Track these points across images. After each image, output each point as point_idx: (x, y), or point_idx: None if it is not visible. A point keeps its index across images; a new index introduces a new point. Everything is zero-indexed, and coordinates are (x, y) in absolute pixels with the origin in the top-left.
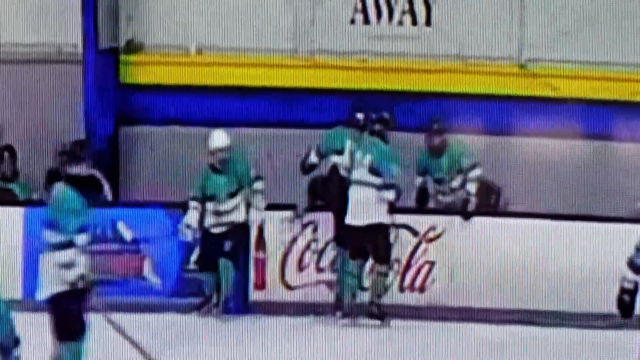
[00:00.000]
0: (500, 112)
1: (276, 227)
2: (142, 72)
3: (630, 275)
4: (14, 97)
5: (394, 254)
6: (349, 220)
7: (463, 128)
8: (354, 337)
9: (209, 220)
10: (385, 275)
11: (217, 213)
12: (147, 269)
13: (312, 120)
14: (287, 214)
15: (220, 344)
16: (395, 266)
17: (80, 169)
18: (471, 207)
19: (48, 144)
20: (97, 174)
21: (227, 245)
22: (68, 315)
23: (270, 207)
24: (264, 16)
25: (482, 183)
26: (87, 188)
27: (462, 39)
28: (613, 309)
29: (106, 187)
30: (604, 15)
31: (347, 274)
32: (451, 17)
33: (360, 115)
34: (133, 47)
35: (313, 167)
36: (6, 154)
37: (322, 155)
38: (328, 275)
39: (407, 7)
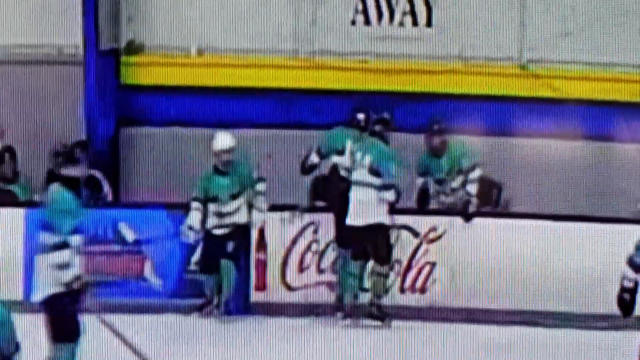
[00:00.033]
0: (501, 113)
1: (277, 228)
2: (143, 73)
3: (630, 273)
4: (15, 98)
5: (395, 255)
6: (350, 220)
7: (464, 129)
8: (354, 338)
9: (211, 221)
10: (386, 276)
11: (220, 214)
12: (147, 270)
13: (312, 121)
14: (287, 213)
15: (221, 345)
16: (396, 267)
17: (75, 170)
18: (472, 208)
19: (49, 145)
20: (98, 174)
21: (230, 247)
22: (63, 317)
23: (271, 208)
24: (264, 17)
25: (483, 180)
26: (82, 189)
27: (463, 40)
28: (615, 309)
29: (106, 187)
30: (606, 16)
31: (348, 274)
32: (452, 18)
33: (361, 116)
34: (134, 48)
35: (313, 167)
36: (7, 155)
37: (322, 156)
38: (329, 277)
39: (407, 8)
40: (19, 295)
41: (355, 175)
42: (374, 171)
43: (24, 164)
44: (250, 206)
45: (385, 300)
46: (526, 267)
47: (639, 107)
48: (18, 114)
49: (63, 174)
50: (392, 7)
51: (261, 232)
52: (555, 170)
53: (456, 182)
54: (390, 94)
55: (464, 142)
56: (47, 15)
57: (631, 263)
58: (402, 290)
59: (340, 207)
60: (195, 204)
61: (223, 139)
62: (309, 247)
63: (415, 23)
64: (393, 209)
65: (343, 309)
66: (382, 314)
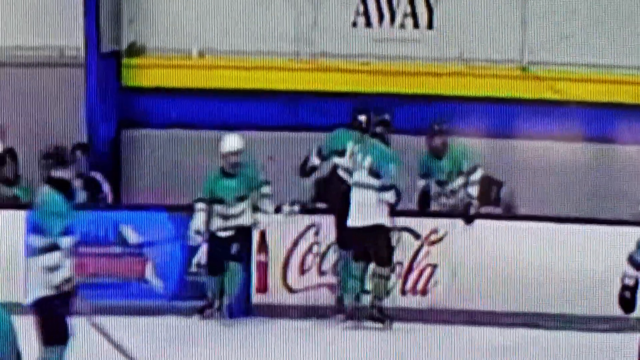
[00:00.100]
0: (502, 115)
1: (278, 230)
2: (144, 75)
3: (631, 271)
4: (16, 100)
5: (396, 257)
6: (350, 222)
7: (465, 131)
8: (356, 340)
9: (216, 223)
10: (387, 278)
11: (225, 216)
12: (149, 272)
13: (314, 123)
14: (287, 206)
15: (222, 347)
16: (398, 269)
17: (65, 173)
18: (473, 210)
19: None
20: (98, 176)
21: (235, 248)
22: (53, 319)
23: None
24: (265, 19)
25: (483, 178)
26: (74, 191)
27: (464, 42)
28: (616, 311)
29: (106, 188)
30: (607, 17)
31: (350, 276)
32: (453, 19)
33: (362, 118)
34: (135, 50)
35: (314, 169)
36: (7, 157)
37: (323, 157)
38: (330, 278)
39: (408, 10)
40: (20, 297)
41: (356, 177)
42: (374, 172)
43: (25, 166)
44: (255, 208)
45: (387, 302)
46: (527, 269)
47: None
48: (19, 116)
49: (53, 175)
50: (393, 9)
51: (262, 234)
52: (557, 172)
53: (456, 184)
54: (392, 95)
55: (465, 144)
56: (48, 17)
57: (632, 261)
58: (403, 292)
59: (341, 209)
60: (200, 205)
61: (231, 141)
62: (310, 249)
63: (416, 25)
64: (394, 211)
65: (344, 311)
66: (383, 316)
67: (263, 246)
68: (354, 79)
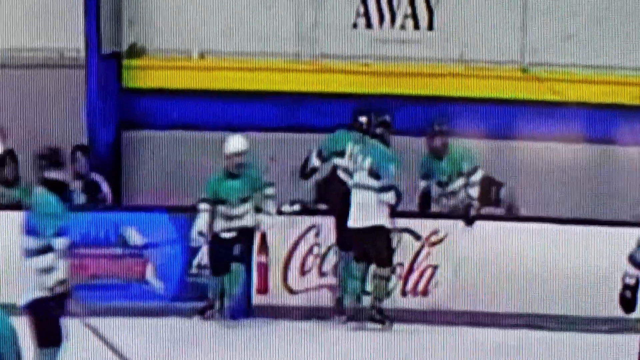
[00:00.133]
0: (503, 116)
1: (278, 232)
2: (144, 76)
3: (632, 270)
4: (17, 101)
5: (397, 258)
6: (351, 223)
7: (466, 132)
8: (357, 342)
9: (219, 224)
10: (388, 279)
11: (228, 217)
12: (149, 273)
13: (315, 124)
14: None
15: (223, 348)
16: (398, 270)
17: (59, 174)
18: (473, 212)
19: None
20: (97, 177)
21: (238, 250)
22: (47, 321)
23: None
24: (266, 20)
25: (483, 178)
26: (68, 192)
27: (464, 43)
28: (618, 312)
29: (105, 188)
30: (607, 18)
31: (351, 277)
32: (453, 21)
33: (363, 119)
34: (136, 51)
35: (314, 170)
36: (7, 159)
37: (323, 159)
38: (330, 280)
39: (409, 11)
40: (19, 298)
41: (356, 178)
42: (374, 173)
43: (25, 168)
44: (258, 210)
45: (387, 304)
46: (528, 270)
47: None
48: (20, 118)
49: (47, 177)
50: (394, 10)
51: (263, 235)
52: (557, 173)
53: (456, 185)
54: (392, 96)
55: (465, 145)
56: (49, 18)
57: (632, 260)
58: (404, 293)
59: (341, 210)
60: (203, 206)
61: (235, 142)
62: (310, 250)
63: (416, 26)
64: (394, 212)
65: (343, 312)
66: (383, 318)
67: (263, 247)
68: (354, 80)
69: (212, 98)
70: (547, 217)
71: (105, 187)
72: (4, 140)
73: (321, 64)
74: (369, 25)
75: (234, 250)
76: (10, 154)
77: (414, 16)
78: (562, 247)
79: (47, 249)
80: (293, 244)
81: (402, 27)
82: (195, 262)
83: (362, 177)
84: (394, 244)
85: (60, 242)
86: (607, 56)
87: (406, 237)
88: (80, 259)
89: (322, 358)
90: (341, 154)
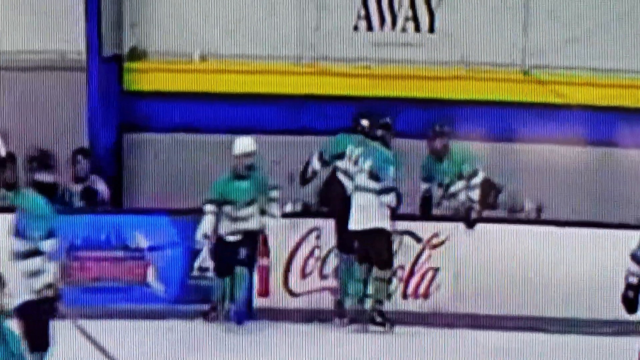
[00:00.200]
0: (504, 119)
1: (280, 234)
2: (145, 79)
3: (635, 268)
4: (18, 104)
5: (398, 261)
6: (351, 225)
7: (467, 134)
8: (358, 344)
9: (224, 226)
10: (388, 281)
11: (233, 219)
12: (150, 276)
13: (315, 126)
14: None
15: (224, 351)
16: (399, 273)
17: (48, 176)
18: (474, 214)
19: (51, 151)
20: (94, 177)
21: (243, 253)
22: (35, 324)
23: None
24: (267, 23)
25: (485, 181)
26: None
27: (465, 46)
28: (619, 315)
29: (101, 187)
30: (609, 21)
31: (352, 280)
32: (454, 23)
33: (365, 122)
34: (137, 54)
35: (315, 174)
36: (8, 161)
37: (325, 162)
38: (332, 282)
39: (410, 13)
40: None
41: (357, 180)
42: (374, 176)
43: (25, 170)
44: (262, 212)
45: (388, 306)
46: (530, 273)
47: None
48: (21, 120)
49: (37, 179)
50: (395, 13)
51: (264, 238)
52: (559, 176)
53: (457, 187)
54: (393, 99)
55: (466, 147)
56: (50, 21)
57: (635, 258)
58: (405, 295)
59: (341, 212)
60: (210, 207)
61: (244, 143)
62: (311, 253)
63: (417, 29)
64: (395, 215)
65: (344, 314)
66: (384, 320)
67: (264, 250)
68: (355, 82)
69: (213, 101)
70: (548, 220)
71: (103, 187)
72: (5, 143)
73: (322, 67)
74: (370, 28)
75: (240, 253)
76: (10, 156)
77: (415, 19)
78: (564, 249)
79: (35, 253)
80: (294, 247)
81: (403, 29)
82: (196, 264)
83: (362, 179)
84: (395, 246)
85: (48, 245)
86: (608, 59)
87: (407, 239)
88: (82, 261)
89: None
90: (342, 156)
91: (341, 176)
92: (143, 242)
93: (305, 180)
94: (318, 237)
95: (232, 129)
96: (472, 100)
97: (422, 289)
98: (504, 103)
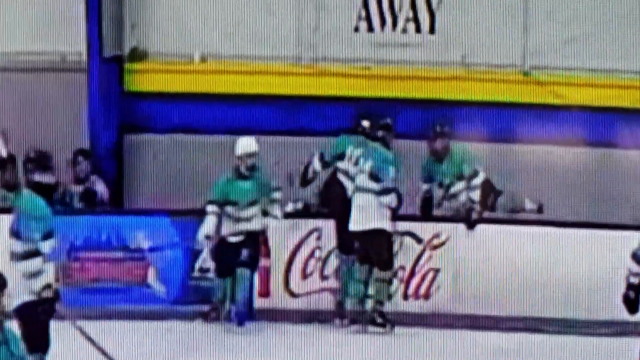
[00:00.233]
0: (504, 120)
1: (280, 235)
2: (146, 80)
3: (635, 268)
4: (18, 105)
5: (399, 262)
6: (352, 226)
7: (467, 135)
8: (358, 345)
9: (226, 227)
10: (389, 282)
11: (236, 220)
12: (151, 277)
13: (315, 127)
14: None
15: (224, 352)
16: (400, 273)
17: (46, 177)
18: (475, 215)
19: (52, 152)
20: (94, 177)
21: (245, 254)
22: (34, 325)
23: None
24: (267, 24)
25: (485, 182)
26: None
27: (466, 47)
28: (617, 315)
29: (100, 187)
30: (608, 22)
31: (353, 280)
32: (455, 24)
33: (366, 123)
34: (137, 55)
35: (315, 175)
36: (8, 162)
37: (326, 164)
38: (332, 283)
39: (410, 14)
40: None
41: (357, 181)
42: (374, 176)
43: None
44: (264, 213)
45: (389, 307)
46: (530, 274)
47: None
48: (21, 121)
49: (34, 180)
50: (395, 14)
51: (265, 239)
52: (558, 176)
53: (457, 188)
54: (393, 100)
55: (466, 147)
56: (51, 22)
57: (636, 258)
58: (405, 296)
59: (341, 213)
60: (212, 208)
61: (247, 143)
62: (312, 254)
63: (418, 30)
64: (396, 215)
65: (345, 315)
66: (384, 321)
67: (265, 250)
68: (355, 83)
69: (214, 101)
70: (548, 221)
71: (102, 188)
72: (6, 144)
73: (322, 68)
74: (370, 28)
75: (242, 255)
76: (10, 157)
77: (416, 20)
78: (563, 250)
79: (33, 254)
80: (294, 248)
81: (404, 30)
82: (197, 265)
83: (363, 180)
84: (396, 247)
85: (47, 246)
86: (608, 59)
87: (408, 240)
88: (82, 262)
89: None
90: (343, 157)
91: (342, 177)
92: (143, 243)
93: (306, 181)
94: (318, 237)
95: (232, 129)
96: (472, 101)
97: (422, 290)
98: (503, 104)
